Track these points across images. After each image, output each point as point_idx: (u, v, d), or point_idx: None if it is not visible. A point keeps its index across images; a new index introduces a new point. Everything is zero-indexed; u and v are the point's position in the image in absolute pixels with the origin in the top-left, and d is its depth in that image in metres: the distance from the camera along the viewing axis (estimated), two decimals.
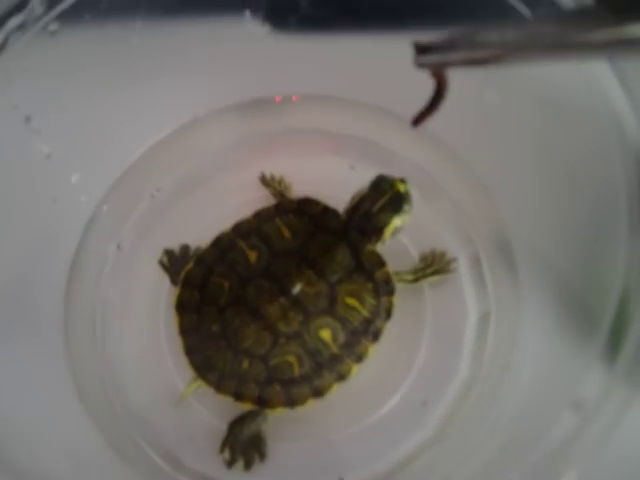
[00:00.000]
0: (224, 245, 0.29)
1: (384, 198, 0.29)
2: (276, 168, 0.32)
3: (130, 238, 0.31)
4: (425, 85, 0.28)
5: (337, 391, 0.29)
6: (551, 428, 0.19)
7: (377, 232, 0.29)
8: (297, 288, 0.28)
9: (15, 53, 0.23)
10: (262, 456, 0.28)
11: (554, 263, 0.28)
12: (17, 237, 0.26)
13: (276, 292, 0.28)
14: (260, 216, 0.30)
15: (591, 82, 0.23)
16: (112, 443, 0.26)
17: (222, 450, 0.28)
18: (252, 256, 0.29)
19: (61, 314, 0.28)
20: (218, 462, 0.28)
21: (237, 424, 0.29)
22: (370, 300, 0.28)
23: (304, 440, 0.29)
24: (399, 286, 0.29)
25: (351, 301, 0.28)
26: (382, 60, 0.31)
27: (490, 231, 0.31)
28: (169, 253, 0.31)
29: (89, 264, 0.30)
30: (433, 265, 0.30)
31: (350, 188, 0.31)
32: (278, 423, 0.28)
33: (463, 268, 0.31)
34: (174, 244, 0.31)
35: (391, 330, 0.30)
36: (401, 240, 0.31)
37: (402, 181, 0.29)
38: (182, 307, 0.29)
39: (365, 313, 0.28)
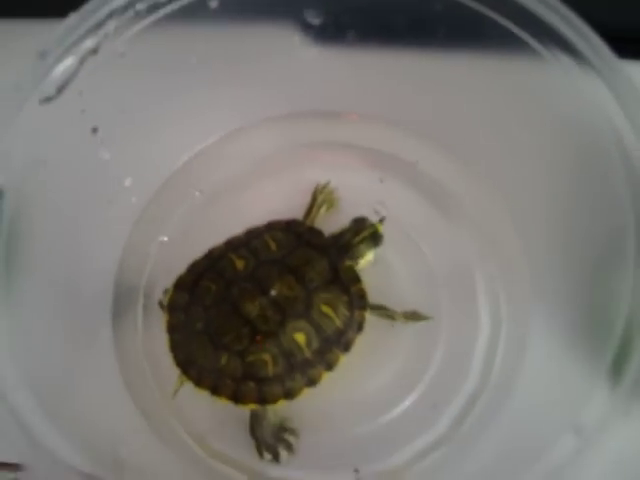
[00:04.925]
0: (215, 256, 0.32)
1: (365, 233, 0.32)
2: (312, 178, 0.34)
3: (173, 236, 0.34)
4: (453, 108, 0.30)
5: (357, 391, 0.32)
6: (549, 448, 0.21)
7: (354, 260, 0.32)
8: (276, 289, 0.30)
9: (88, 73, 0.25)
10: (290, 449, 0.31)
11: (563, 286, 0.30)
12: (77, 233, 0.29)
13: (257, 293, 0.30)
14: (251, 233, 0.33)
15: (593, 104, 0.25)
16: (154, 428, 0.29)
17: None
18: (240, 264, 0.31)
19: (110, 305, 0.31)
20: (248, 447, 0.31)
21: (253, 428, 0.31)
22: (344, 311, 0.31)
23: (324, 434, 0.31)
24: None
25: (326, 309, 0.30)
26: (412, 80, 0.33)
27: (506, 251, 0.33)
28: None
29: (135, 259, 0.32)
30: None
31: (379, 198, 0.34)
32: (301, 418, 0.31)
33: (479, 283, 0.33)
34: (211, 243, 0.33)
35: (407, 338, 0.33)
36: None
37: (381, 222, 0.33)
38: (172, 307, 0.31)
39: (338, 323, 0.30)
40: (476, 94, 0.31)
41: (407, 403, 0.32)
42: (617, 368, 0.24)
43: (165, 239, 0.34)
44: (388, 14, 0.29)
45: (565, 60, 0.25)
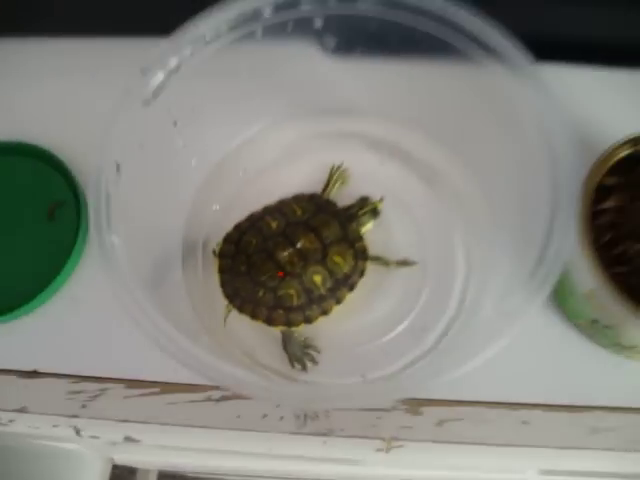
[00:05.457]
0: (255, 218, 0.42)
1: (367, 208, 0.43)
2: (328, 161, 0.45)
3: (223, 205, 0.45)
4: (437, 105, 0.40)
5: (361, 319, 0.42)
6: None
7: (358, 226, 0.43)
8: (300, 243, 0.40)
9: (172, 83, 0.36)
10: (314, 361, 0.41)
11: (516, 233, 0.40)
12: (158, 199, 0.39)
13: (287, 245, 0.40)
14: (282, 202, 0.43)
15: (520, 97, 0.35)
16: (214, 343, 0.39)
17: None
18: (274, 225, 0.41)
19: (180, 253, 0.41)
20: (282, 360, 0.41)
21: (285, 345, 0.42)
22: (350, 261, 0.41)
23: (338, 350, 0.41)
24: None
25: (337, 259, 0.41)
26: (405, 84, 0.43)
27: (476, 215, 0.43)
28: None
29: (197, 220, 0.43)
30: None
31: (380, 178, 0.44)
32: (321, 340, 0.41)
33: (456, 239, 0.44)
34: (251, 210, 0.43)
35: (401, 280, 0.43)
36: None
37: (380, 202, 0.43)
38: (222, 255, 0.41)
39: (346, 269, 0.41)
40: (451, 94, 0.41)
41: (402, 327, 0.42)
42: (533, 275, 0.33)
43: (217, 207, 0.44)
44: (384, 35, 0.40)
45: (501, 66, 0.36)
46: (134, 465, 0.70)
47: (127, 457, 0.60)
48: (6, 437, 0.59)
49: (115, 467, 1.18)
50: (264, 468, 0.58)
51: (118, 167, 0.34)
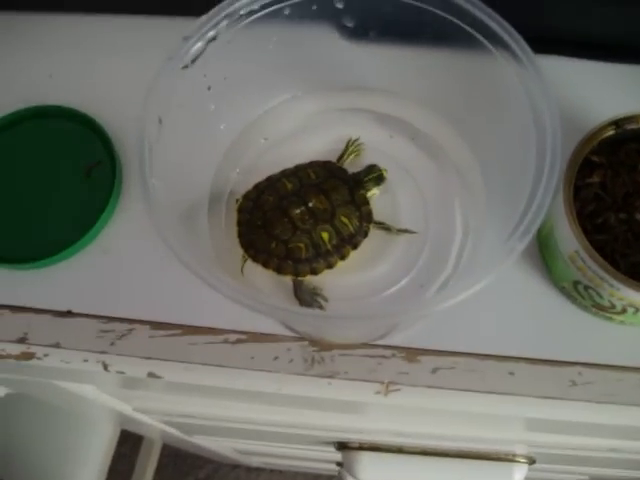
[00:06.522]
0: (273, 180, 0.46)
1: (373, 175, 0.47)
2: (342, 134, 0.49)
3: (246, 166, 0.49)
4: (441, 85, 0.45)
5: (364, 275, 0.46)
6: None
7: (364, 191, 0.47)
8: (312, 202, 0.45)
9: (209, 51, 0.40)
10: (322, 308, 0.46)
11: (506, 197, 0.45)
12: (190, 156, 0.44)
13: (300, 203, 0.45)
14: (298, 167, 0.47)
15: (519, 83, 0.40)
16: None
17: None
18: (289, 186, 0.46)
19: (207, 203, 0.46)
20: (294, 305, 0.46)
21: (295, 292, 0.45)
22: (356, 222, 0.45)
23: (343, 302, 0.45)
24: None
25: (344, 219, 0.45)
26: (413, 65, 0.48)
27: (473, 183, 0.48)
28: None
29: (222, 178, 0.48)
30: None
31: (389, 151, 0.49)
32: (329, 291, 0.46)
33: (456, 204, 0.48)
34: (271, 173, 0.48)
35: (402, 244, 0.47)
36: None
37: (385, 170, 0.47)
38: (240, 211, 0.46)
39: (351, 229, 0.45)
40: (456, 77, 0.46)
41: (401, 284, 0.45)
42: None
43: (240, 170, 0.49)
44: (395, 20, 0.44)
45: (503, 55, 0.40)
46: (142, 421, 0.74)
47: (141, 404, 0.65)
48: (30, 386, 0.64)
49: (123, 434, 1.22)
50: (268, 418, 0.62)
51: (160, 121, 0.39)
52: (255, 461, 1.39)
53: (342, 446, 0.70)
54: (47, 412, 0.87)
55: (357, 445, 0.68)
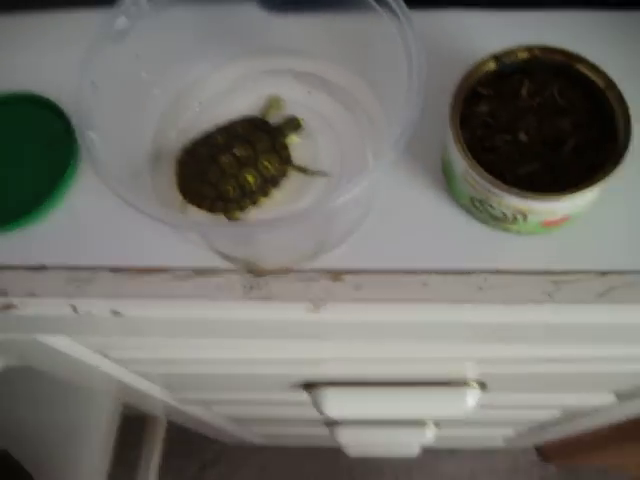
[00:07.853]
0: (207, 134, 0.54)
1: (292, 123, 0.55)
2: (267, 93, 0.57)
3: (183, 128, 0.56)
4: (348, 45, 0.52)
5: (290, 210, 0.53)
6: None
7: (285, 138, 0.54)
8: (238, 151, 0.52)
9: (134, 25, 0.48)
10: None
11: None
12: (127, 119, 0.51)
13: (227, 152, 0.52)
14: (230, 121, 0.54)
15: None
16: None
17: None
18: (220, 139, 0.53)
19: (149, 160, 0.54)
20: None
21: None
22: (277, 165, 0.53)
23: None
24: None
25: (266, 163, 0.52)
26: (327, 32, 0.55)
27: (379, 126, 0.54)
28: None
29: (161, 138, 0.55)
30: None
31: (309, 104, 0.56)
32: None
33: (366, 145, 0.55)
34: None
35: (320, 184, 0.54)
36: None
37: (302, 119, 0.55)
38: (178, 162, 0.53)
39: (273, 171, 0.53)
40: (360, 37, 0.53)
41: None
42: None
43: (179, 129, 0.56)
44: None
45: (387, 13, 0.48)
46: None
47: (116, 354, 0.72)
48: (18, 346, 0.71)
49: (124, 413, 1.30)
50: (231, 356, 0.69)
51: (94, 84, 0.46)
52: (254, 434, 1.46)
53: (308, 386, 0.77)
54: (46, 386, 0.94)
55: (320, 383, 0.75)
